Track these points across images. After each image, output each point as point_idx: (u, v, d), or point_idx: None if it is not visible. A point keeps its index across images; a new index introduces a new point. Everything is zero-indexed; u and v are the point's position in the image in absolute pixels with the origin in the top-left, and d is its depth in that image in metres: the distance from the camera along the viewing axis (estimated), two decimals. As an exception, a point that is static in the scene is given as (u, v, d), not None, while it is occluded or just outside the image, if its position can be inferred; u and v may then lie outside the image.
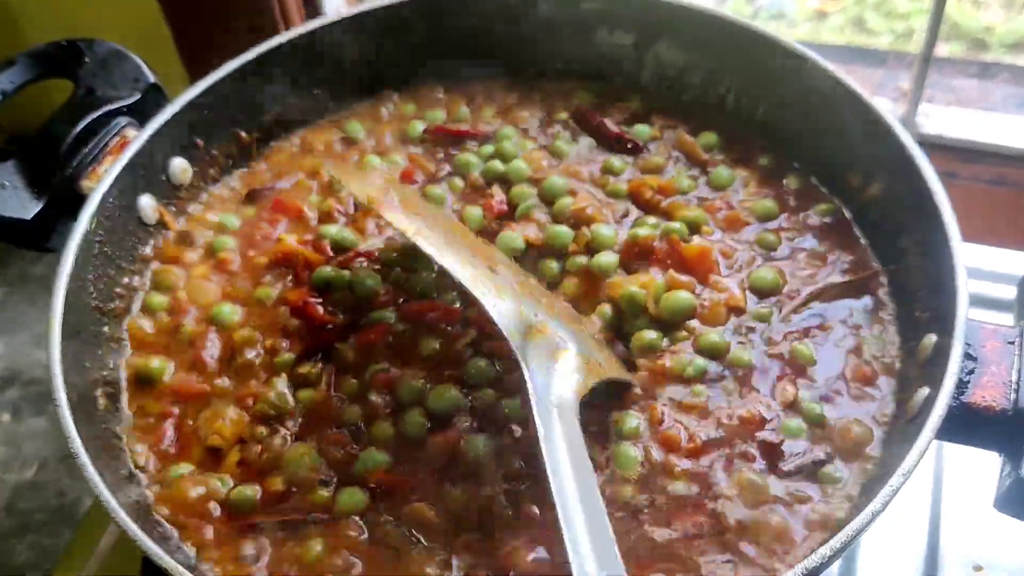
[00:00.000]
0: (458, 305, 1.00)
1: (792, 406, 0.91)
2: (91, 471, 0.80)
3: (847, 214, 1.06)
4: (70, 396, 0.86)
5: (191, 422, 0.95)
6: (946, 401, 0.78)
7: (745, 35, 1.11)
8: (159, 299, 1.04)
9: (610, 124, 1.17)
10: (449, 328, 0.98)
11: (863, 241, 1.04)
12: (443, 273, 1.00)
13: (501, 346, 0.93)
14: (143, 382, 0.97)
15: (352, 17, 1.19)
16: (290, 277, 1.05)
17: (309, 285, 1.03)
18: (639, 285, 0.97)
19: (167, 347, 1.01)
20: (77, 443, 0.82)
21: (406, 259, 1.05)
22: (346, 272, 1.03)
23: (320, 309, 1.01)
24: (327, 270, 1.03)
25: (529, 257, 1.04)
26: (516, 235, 1.05)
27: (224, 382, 0.97)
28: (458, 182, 1.13)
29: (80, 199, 1.01)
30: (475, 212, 1.09)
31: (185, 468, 0.91)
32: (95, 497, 0.80)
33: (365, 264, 1.04)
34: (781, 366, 0.94)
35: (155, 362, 0.98)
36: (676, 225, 1.03)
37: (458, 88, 1.25)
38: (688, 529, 0.84)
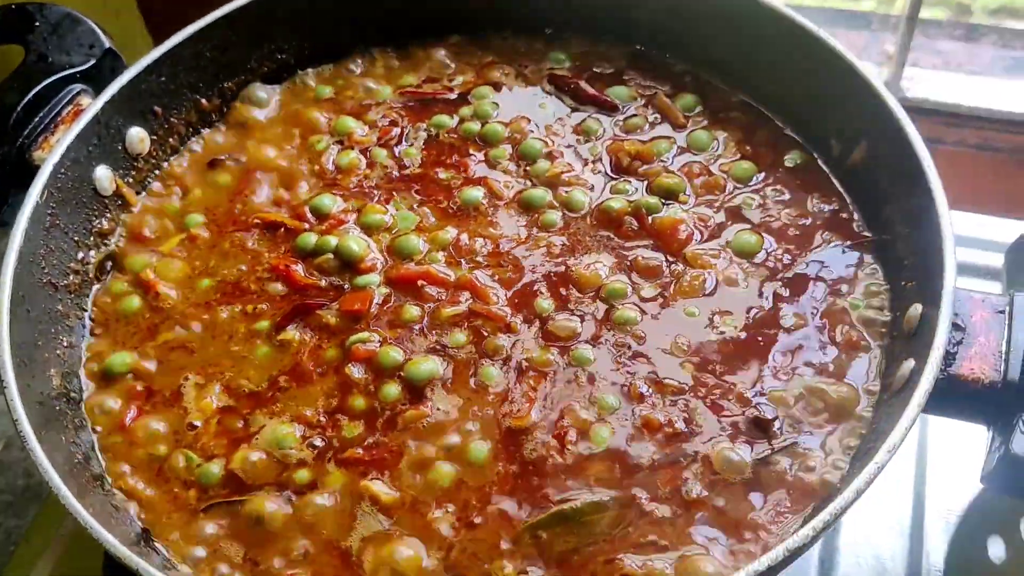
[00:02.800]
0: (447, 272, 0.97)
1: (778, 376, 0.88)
2: (39, 454, 0.77)
3: (833, 180, 1.02)
4: (20, 374, 0.82)
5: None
6: (933, 374, 0.75)
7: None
8: (125, 284, 1.00)
9: (586, 86, 1.13)
10: (437, 295, 0.96)
11: (845, 195, 1.01)
12: (433, 239, 0.99)
13: (491, 313, 0.93)
14: (108, 376, 0.94)
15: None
16: (270, 252, 1.02)
17: (292, 251, 1.00)
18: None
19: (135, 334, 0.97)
20: (24, 423, 0.78)
21: (395, 222, 1.02)
22: (331, 237, 1.00)
23: (301, 272, 0.98)
24: (310, 237, 1.00)
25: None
26: (478, 190, 1.04)
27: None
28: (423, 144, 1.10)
29: (31, 170, 0.96)
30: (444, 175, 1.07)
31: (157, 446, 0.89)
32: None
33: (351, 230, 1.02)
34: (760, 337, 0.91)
35: (124, 357, 0.94)
36: (651, 200, 1.00)
37: (431, 48, 1.20)
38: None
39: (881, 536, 1.01)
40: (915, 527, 1.01)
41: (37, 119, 1.01)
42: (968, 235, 1.19)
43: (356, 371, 0.91)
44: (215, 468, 0.86)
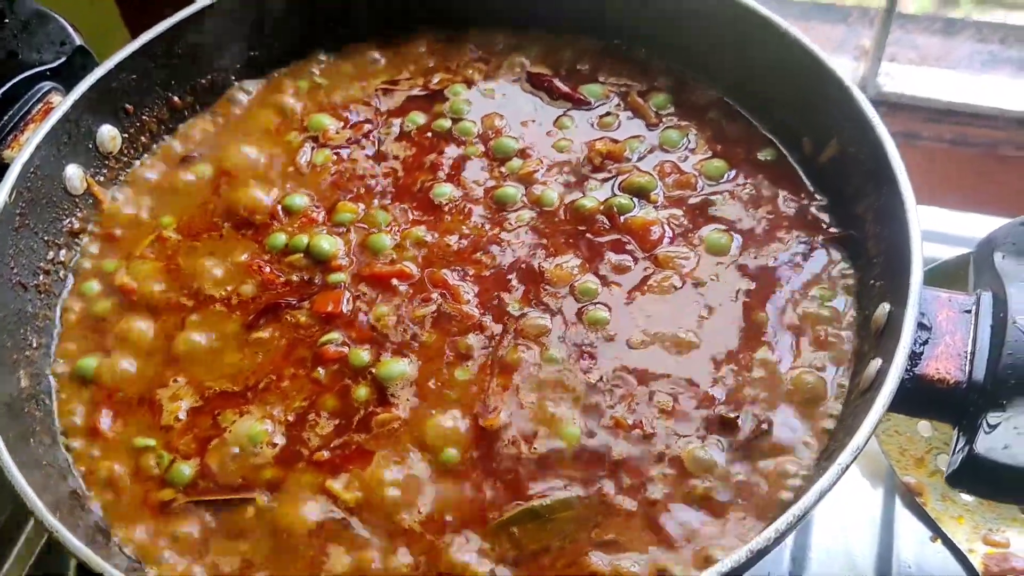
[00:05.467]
0: (416, 270, 0.97)
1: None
2: (5, 456, 0.77)
3: (804, 179, 1.02)
4: None
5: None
6: (898, 374, 0.75)
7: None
8: (96, 284, 1.00)
9: (559, 83, 1.12)
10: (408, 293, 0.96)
11: (816, 193, 1.01)
12: (406, 237, 0.99)
13: (462, 312, 0.93)
14: (78, 378, 0.94)
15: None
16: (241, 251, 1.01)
17: (263, 250, 1.00)
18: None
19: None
20: None
21: (368, 220, 1.02)
22: (303, 236, 1.00)
23: (272, 271, 0.98)
24: (281, 235, 1.00)
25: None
26: (449, 187, 1.03)
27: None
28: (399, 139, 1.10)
29: (1, 169, 0.96)
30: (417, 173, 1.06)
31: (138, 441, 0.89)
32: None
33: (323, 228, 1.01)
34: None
35: (94, 359, 0.94)
36: (622, 200, 1.00)
37: (406, 45, 1.19)
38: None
39: (852, 531, 1.02)
40: (885, 522, 1.02)
41: (6, 117, 1.01)
42: (939, 230, 1.19)
43: (324, 371, 0.91)
44: (186, 468, 0.86)
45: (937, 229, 1.20)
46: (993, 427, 0.74)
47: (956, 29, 1.56)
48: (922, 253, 0.82)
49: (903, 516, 1.03)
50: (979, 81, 1.48)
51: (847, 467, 0.72)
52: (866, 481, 1.05)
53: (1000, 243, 0.85)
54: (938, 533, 1.01)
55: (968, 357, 0.79)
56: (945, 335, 0.81)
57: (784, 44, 1.00)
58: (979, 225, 1.19)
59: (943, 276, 1.04)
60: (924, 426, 1.08)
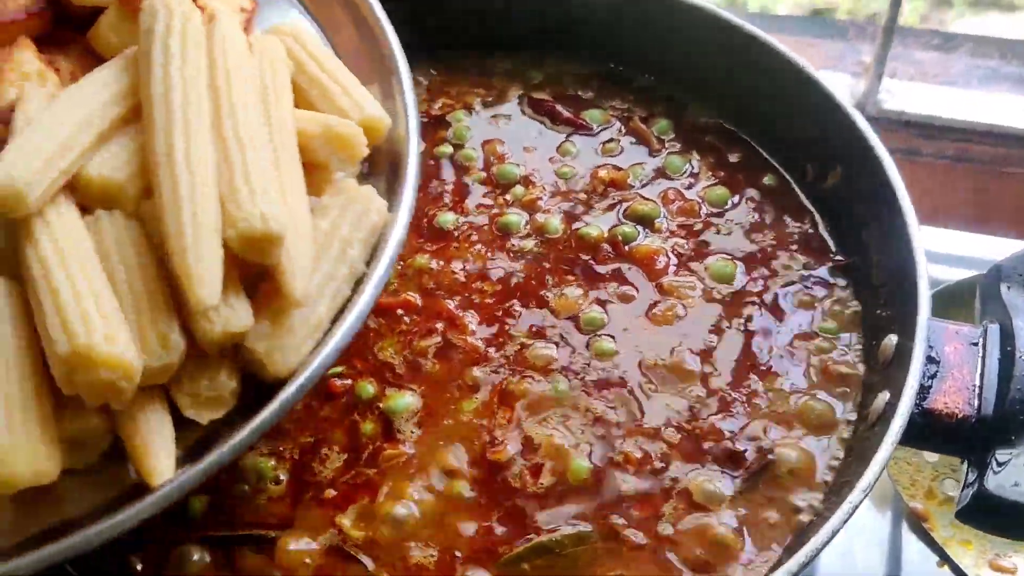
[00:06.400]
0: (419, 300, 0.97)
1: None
2: None
3: (808, 204, 1.02)
4: None
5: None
6: (907, 409, 0.76)
7: (695, 15, 1.08)
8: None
9: (562, 108, 1.13)
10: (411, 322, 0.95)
11: (820, 220, 1.01)
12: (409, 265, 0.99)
13: (466, 343, 0.93)
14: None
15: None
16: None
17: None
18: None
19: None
20: None
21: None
22: None
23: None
24: None
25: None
26: (451, 215, 1.03)
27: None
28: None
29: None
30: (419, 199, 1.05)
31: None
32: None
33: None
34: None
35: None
36: (627, 228, 1.00)
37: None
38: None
39: (859, 556, 1.02)
40: (892, 547, 1.02)
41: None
42: (940, 251, 1.20)
43: (331, 406, 0.90)
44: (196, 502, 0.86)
45: (939, 250, 1.21)
46: (1003, 464, 0.74)
47: (953, 45, 1.56)
48: (928, 289, 0.82)
49: (910, 541, 1.03)
50: (978, 97, 1.49)
51: (858, 505, 0.72)
52: (873, 506, 1.05)
53: (1007, 274, 0.85)
54: (945, 558, 1.02)
55: (976, 391, 0.79)
56: (953, 368, 0.81)
57: (788, 72, 1.01)
58: (982, 246, 1.19)
59: (948, 300, 1.04)
60: (930, 452, 1.08)
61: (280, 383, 0.70)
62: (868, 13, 1.58)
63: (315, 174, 0.73)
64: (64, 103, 0.73)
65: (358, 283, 0.76)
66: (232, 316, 0.69)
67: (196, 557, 0.84)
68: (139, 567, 0.81)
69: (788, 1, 1.85)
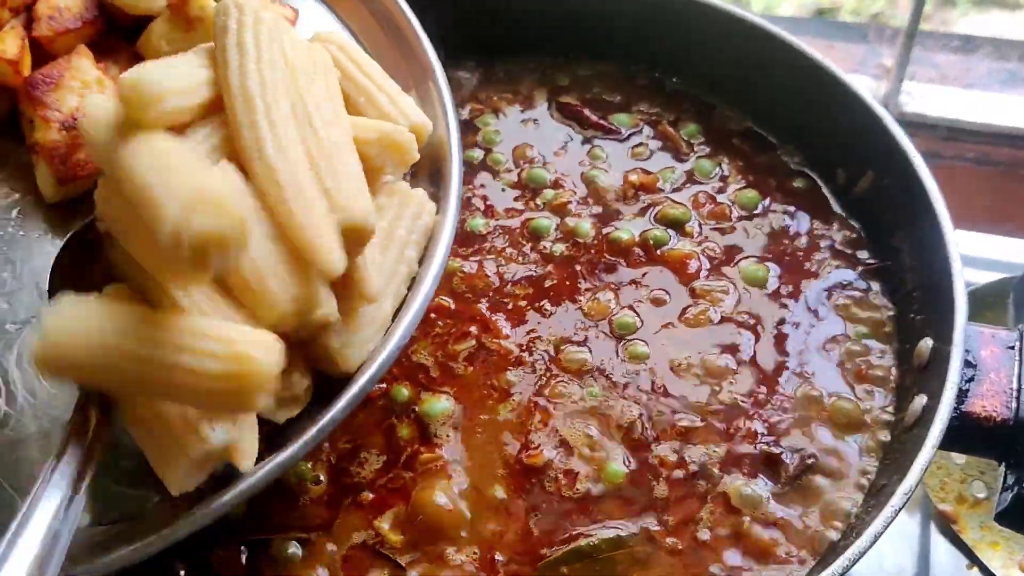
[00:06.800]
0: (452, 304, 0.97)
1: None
2: None
3: (838, 208, 1.03)
4: None
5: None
6: (946, 413, 0.76)
7: (722, 18, 1.08)
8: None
9: (590, 113, 1.13)
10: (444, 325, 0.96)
11: (852, 223, 1.02)
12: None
13: (500, 347, 0.93)
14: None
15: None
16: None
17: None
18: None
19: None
20: None
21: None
22: None
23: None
24: None
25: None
26: (482, 219, 1.04)
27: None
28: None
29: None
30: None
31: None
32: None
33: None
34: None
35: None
36: (658, 232, 1.01)
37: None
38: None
39: (888, 558, 1.03)
40: (922, 549, 1.03)
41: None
42: (968, 254, 1.20)
43: (367, 410, 0.90)
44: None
45: (967, 253, 1.21)
46: (1042, 467, 0.75)
47: (973, 47, 1.56)
48: (965, 294, 0.82)
49: (939, 543, 1.03)
50: (999, 100, 1.49)
51: (900, 509, 0.73)
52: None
53: (1040, 278, 0.85)
54: (974, 560, 1.02)
55: (1014, 394, 0.80)
56: (990, 372, 0.81)
57: (812, 71, 1.01)
58: (1006, 248, 1.20)
59: (979, 303, 1.05)
60: (958, 455, 1.08)
61: (345, 379, 0.72)
62: (871, 13, 1.59)
63: (368, 176, 0.73)
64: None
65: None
66: (328, 305, 0.70)
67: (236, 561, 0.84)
68: (182, 573, 0.81)
69: (791, 1, 1.85)
